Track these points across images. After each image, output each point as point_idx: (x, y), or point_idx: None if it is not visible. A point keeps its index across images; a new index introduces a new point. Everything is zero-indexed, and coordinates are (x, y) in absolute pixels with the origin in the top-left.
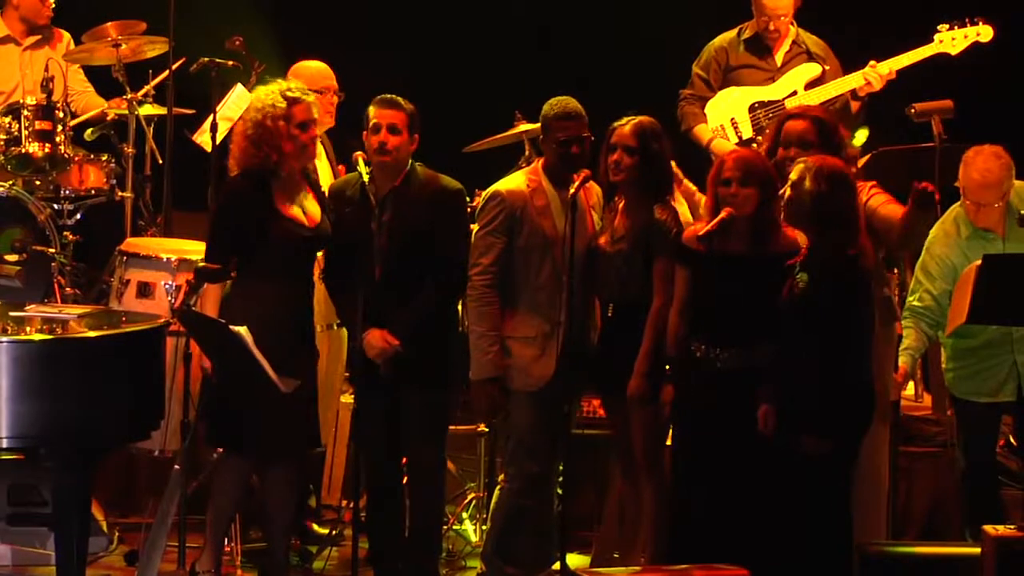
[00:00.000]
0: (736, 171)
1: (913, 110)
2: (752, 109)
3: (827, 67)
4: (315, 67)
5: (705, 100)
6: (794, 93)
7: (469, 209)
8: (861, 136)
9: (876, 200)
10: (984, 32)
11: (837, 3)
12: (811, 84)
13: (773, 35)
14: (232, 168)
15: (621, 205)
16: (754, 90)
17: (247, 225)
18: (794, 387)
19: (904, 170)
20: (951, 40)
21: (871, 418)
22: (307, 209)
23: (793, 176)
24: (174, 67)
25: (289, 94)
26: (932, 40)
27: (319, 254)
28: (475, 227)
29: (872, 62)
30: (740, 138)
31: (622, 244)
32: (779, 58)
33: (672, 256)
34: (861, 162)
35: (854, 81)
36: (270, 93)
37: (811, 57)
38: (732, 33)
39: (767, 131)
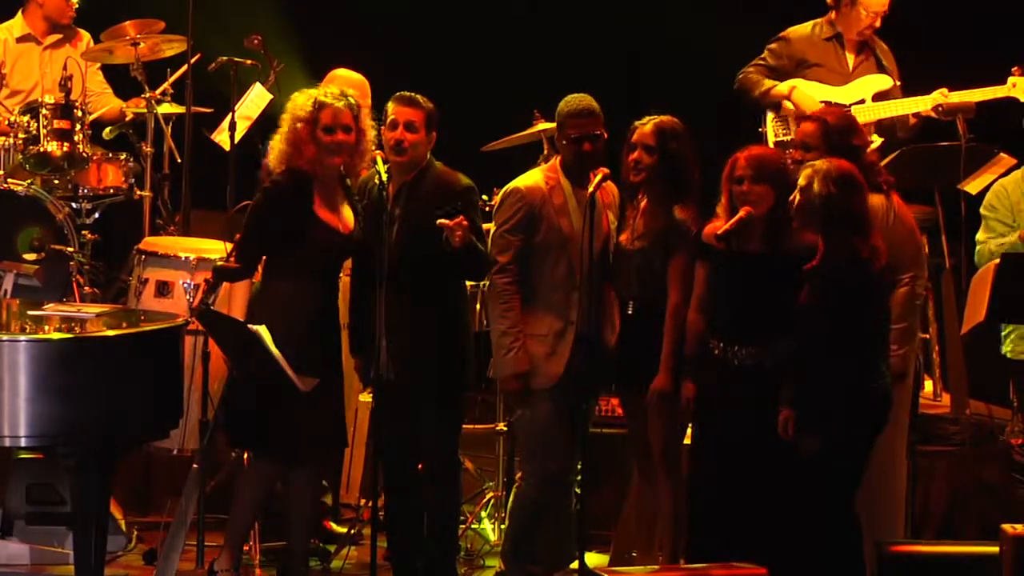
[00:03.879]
0: (748, 169)
1: (939, 108)
2: None
3: (898, 82)
4: (354, 81)
5: (770, 77)
6: (862, 101)
7: (488, 208)
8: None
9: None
10: None
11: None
12: (879, 96)
13: (861, 36)
14: (274, 168)
15: (643, 204)
16: (825, 89)
17: (286, 225)
18: (806, 388)
19: (929, 169)
20: None
21: (884, 419)
22: (343, 216)
23: (801, 181)
24: (192, 61)
25: (320, 99)
26: (1005, 82)
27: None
28: (490, 225)
29: (943, 90)
30: None
31: (642, 242)
32: (851, 60)
33: (691, 254)
34: (885, 161)
35: (921, 105)
36: (306, 97)
37: (880, 68)
38: (807, 28)
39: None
